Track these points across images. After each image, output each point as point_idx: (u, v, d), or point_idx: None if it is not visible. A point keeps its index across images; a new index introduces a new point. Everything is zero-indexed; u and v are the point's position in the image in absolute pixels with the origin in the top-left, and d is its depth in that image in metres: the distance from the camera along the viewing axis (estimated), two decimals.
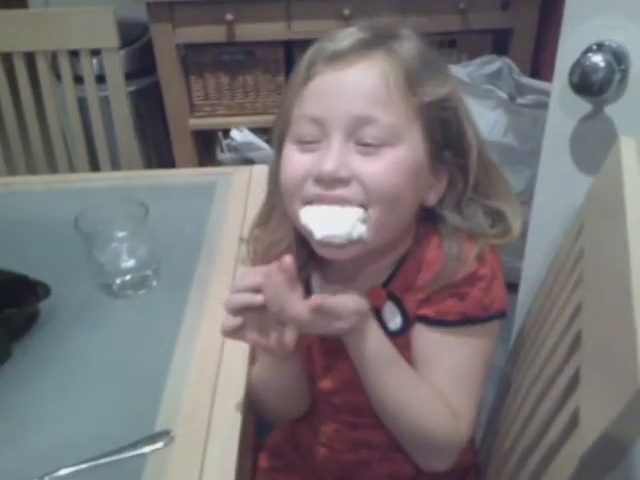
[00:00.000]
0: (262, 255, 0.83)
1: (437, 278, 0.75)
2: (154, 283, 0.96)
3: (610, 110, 0.93)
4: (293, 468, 0.92)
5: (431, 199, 0.76)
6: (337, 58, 0.71)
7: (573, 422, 0.58)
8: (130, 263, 0.93)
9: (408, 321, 0.78)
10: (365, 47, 0.71)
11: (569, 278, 0.76)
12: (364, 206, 0.70)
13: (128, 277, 0.94)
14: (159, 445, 0.72)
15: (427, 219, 0.78)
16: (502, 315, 0.77)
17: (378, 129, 0.70)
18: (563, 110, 0.98)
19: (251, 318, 0.70)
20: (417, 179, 0.73)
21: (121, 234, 0.92)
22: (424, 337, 0.77)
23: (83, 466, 0.70)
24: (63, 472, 0.70)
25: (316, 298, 0.66)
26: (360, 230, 0.70)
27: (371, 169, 0.70)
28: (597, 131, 0.94)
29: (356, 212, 0.70)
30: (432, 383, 0.75)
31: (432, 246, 0.77)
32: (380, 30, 0.74)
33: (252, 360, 0.83)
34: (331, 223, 0.70)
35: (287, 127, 0.75)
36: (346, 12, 1.98)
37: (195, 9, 2.01)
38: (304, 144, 0.73)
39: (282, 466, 0.93)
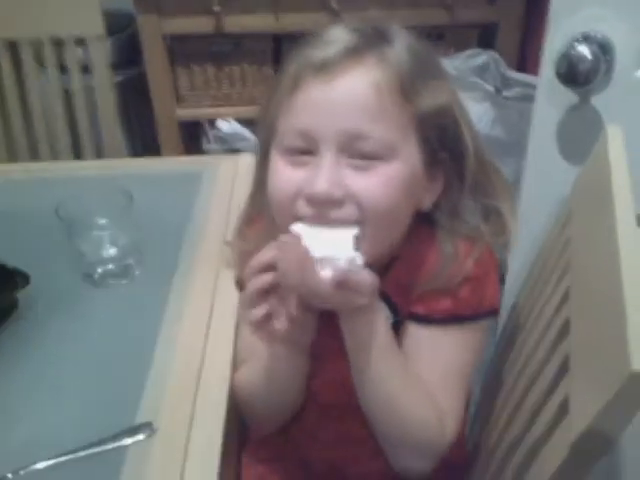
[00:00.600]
0: (248, 257, 0.79)
1: (433, 279, 0.73)
2: (137, 273, 0.94)
3: (596, 100, 0.94)
4: (281, 459, 0.91)
5: (427, 203, 0.74)
6: (325, 68, 0.67)
7: (562, 410, 0.57)
8: (112, 252, 0.92)
9: (399, 319, 0.77)
10: (355, 54, 0.67)
11: (556, 267, 0.76)
12: (358, 222, 0.68)
13: (110, 266, 0.93)
14: (140, 437, 0.70)
15: (422, 218, 0.76)
16: (493, 313, 0.76)
17: (372, 144, 0.67)
18: (549, 101, 0.98)
19: (274, 307, 0.68)
20: (412, 190, 0.70)
21: (103, 222, 0.90)
22: (413, 334, 0.76)
23: (61, 459, 0.68)
24: (40, 465, 0.68)
25: (337, 270, 0.64)
26: (355, 258, 0.66)
27: (365, 186, 0.67)
28: (583, 122, 0.95)
29: (349, 238, 0.67)
30: (421, 380, 0.74)
31: (427, 246, 0.75)
32: (370, 31, 0.70)
33: (235, 357, 0.82)
34: (323, 254, 0.66)
35: (273, 134, 0.73)
36: (334, 4, 1.97)
37: (182, 0, 1.99)
38: (293, 157, 0.70)
39: (270, 457, 0.92)
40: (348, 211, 0.67)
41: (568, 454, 0.53)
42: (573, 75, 0.90)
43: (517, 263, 1.02)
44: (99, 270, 0.93)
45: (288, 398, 0.82)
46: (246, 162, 1.17)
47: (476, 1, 2.01)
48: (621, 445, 0.91)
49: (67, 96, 1.60)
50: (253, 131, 2.00)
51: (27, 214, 1.07)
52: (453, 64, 1.87)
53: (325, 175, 0.66)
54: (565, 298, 0.68)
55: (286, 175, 0.70)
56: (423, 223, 0.76)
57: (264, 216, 0.79)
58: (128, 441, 0.70)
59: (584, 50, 0.89)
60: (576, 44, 0.90)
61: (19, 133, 1.63)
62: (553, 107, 0.97)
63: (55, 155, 1.67)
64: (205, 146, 2.13)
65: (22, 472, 0.67)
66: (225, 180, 1.16)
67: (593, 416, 0.49)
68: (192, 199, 1.11)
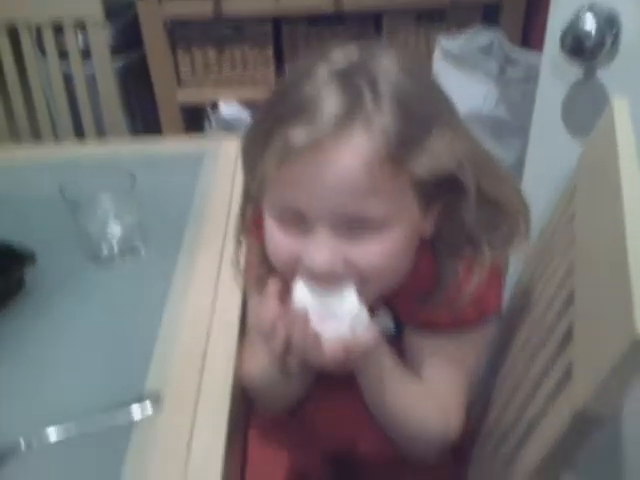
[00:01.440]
0: (257, 278, 0.78)
1: (432, 298, 0.72)
2: (142, 252, 0.95)
3: (602, 74, 0.93)
4: (287, 439, 0.91)
5: (428, 230, 0.71)
6: (312, 148, 0.61)
7: (566, 378, 0.57)
8: (117, 232, 0.92)
9: (401, 324, 0.77)
10: (341, 127, 0.61)
11: (561, 240, 0.76)
12: (361, 282, 0.67)
13: (115, 246, 0.93)
14: (147, 407, 0.71)
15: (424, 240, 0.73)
16: (497, 314, 0.76)
17: (367, 221, 0.64)
18: (555, 76, 0.97)
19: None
20: (414, 242, 0.69)
21: (108, 203, 0.91)
22: (416, 341, 0.77)
23: (71, 426, 0.69)
24: (50, 430, 0.69)
25: (337, 346, 0.63)
26: (359, 315, 0.66)
27: (365, 255, 0.65)
28: (589, 96, 0.94)
29: (352, 296, 0.66)
30: (425, 382, 0.76)
31: (428, 265, 0.73)
32: (355, 78, 0.63)
33: (242, 333, 0.82)
34: (327, 315, 0.66)
35: (263, 192, 0.69)
36: None
37: None
38: (287, 225, 0.67)
39: (277, 425, 0.92)
40: (350, 278, 0.66)
41: (571, 421, 0.53)
42: (578, 49, 0.89)
43: None
44: (104, 250, 0.93)
45: (291, 395, 0.82)
46: None
47: None
48: (621, 421, 0.91)
49: (68, 81, 1.59)
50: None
51: (32, 196, 1.07)
52: (457, 43, 1.85)
53: (323, 251, 0.64)
54: (570, 271, 0.68)
55: (283, 244, 0.68)
56: (426, 244, 0.73)
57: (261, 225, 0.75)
58: (136, 410, 0.71)
59: (589, 23, 0.88)
60: (581, 17, 0.89)
61: (21, 118, 1.62)
62: (558, 82, 0.97)
63: (58, 140, 1.67)
64: (207, 129, 2.13)
65: (34, 438, 0.68)
66: (227, 160, 1.16)
67: (596, 382, 0.49)
68: (195, 179, 1.11)
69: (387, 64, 0.64)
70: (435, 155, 0.63)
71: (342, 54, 0.65)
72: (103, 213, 0.91)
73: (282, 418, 0.90)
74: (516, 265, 0.99)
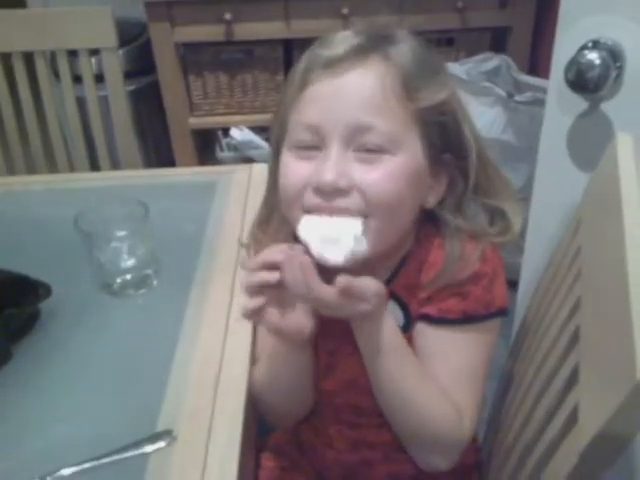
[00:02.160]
0: None
1: (439, 277, 0.75)
2: (155, 282, 0.96)
3: (606, 107, 0.94)
4: (297, 467, 0.93)
5: (431, 201, 0.76)
6: (333, 65, 0.70)
7: (573, 418, 0.58)
8: (130, 262, 0.94)
9: (410, 319, 0.78)
10: (361, 53, 0.70)
11: (567, 274, 0.77)
12: (363, 215, 0.70)
13: (128, 277, 0.94)
14: (161, 444, 0.72)
15: (428, 219, 0.78)
16: (503, 313, 0.77)
17: (376, 136, 0.69)
18: (560, 107, 0.98)
19: (270, 299, 0.70)
20: (417, 185, 0.73)
21: (121, 234, 0.92)
22: (426, 335, 0.78)
23: (85, 466, 0.70)
24: (65, 472, 0.70)
25: (343, 279, 0.66)
26: (360, 248, 0.69)
27: (370, 178, 0.69)
28: (594, 128, 0.95)
29: (355, 227, 0.69)
30: (436, 379, 0.76)
31: (433, 246, 0.77)
32: (375, 33, 0.73)
33: (253, 360, 0.84)
34: (330, 243, 0.69)
35: (284, 133, 0.75)
36: (344, 11, 1.99)
37: (193, 8, 2.01)
38: (301, 151, 0.72)
39: (286, 465, 0.94)
40: (354, 201, 0.70)
41: (578, 461, 0.54)
42: (582, 82, 0.90)
43: (529, 270, 1.03)
44: (118, 280, 0.94)
45: (294, 395, 0.83)
46: (259, 172, 1.19)
47: (487, 5, 2.02)
48: (633, 452, 0.91)
49: (81, 106, 1.62)
50: (266, 139, 2.02)
51: (47, 225, 1.09)
52: (465, 68, 1.87)
53: (332, 166, 0.69)
54: (576, 306, 0.68)
55: (295, 168, 0.73)
56: (429, 223, 0.78)
57: (276, 218, 0.81)
58: (149, 448, 0.72)
59: (594, 56, 0.89)
60: (586, 51, 0.90)
61: (36, 144, 1.65)
62: (563, 113, 0.98)
63: (71, 163, 1.69)
64: (218, 154, 2.15)
65: (48, 478, 0.69)
66: (239, 189, 1.18)
67: (600, 425, 0.50)
68: (207, 209, 1.13)
69: (402, 31, 0.75)
70: (438, 95, 0.72)
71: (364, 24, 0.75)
72: (117, 244, 0.93)
73: (292, 451, 0.91)
74: (525, 295, 1.00)
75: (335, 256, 0.68)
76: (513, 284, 1.00)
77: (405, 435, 0.79)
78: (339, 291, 0.66)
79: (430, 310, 0.77)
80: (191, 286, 0.95)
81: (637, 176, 0.69)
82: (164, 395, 0.78)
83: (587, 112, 0.95)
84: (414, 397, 0.74)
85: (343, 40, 0.72)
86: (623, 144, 0.75)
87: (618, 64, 0.91)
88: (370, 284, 0.68)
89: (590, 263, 0.70)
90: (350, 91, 0.70)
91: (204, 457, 0.71)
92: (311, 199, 0.71)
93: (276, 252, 0.69)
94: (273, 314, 0.71)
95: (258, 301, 0.70)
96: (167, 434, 0.73)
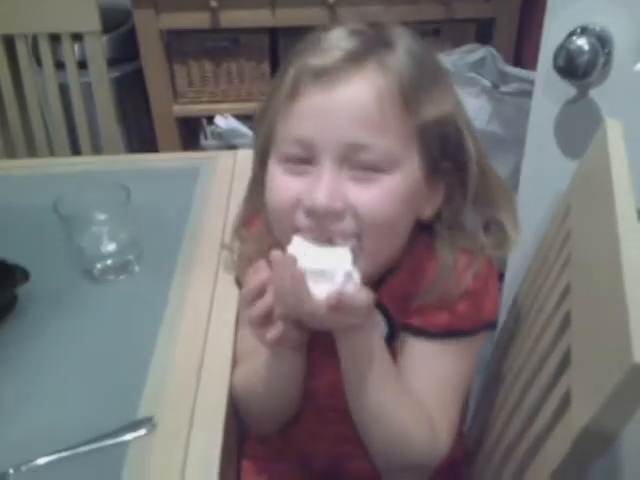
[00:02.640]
0: (247, 263, 0.78)
1: (429, 291, 0.72)
2: (136, 268, 0.94)
3: (595, 93, 0.93)
4: (281, 456, 0.91)
5: (427, 213, 0.72)
6: (325, 75, 0.64)
7: (564, 404, 0.57)
8: (111, 248, 0.92)
9: (394, 330, 0.76)
10: (355, 60, 0.64)
11: (557, 260, 0.76)
12: (357, 235, 0.67)
13: (109, 262, 0.93)
14: (141, 432, 0.71)
15: (422, 228, 0.74)
16: (491, 326, 0.75)
17: (373, 155, 0.64)
18: (548, 95, 0.98)
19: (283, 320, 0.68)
20: (413, 201, 0.69)
21: (102, 218, 0.91)
22: (408, 346, 0.75)
23: (62, 454, 0.68)
24: (40, 461, 0.68)
25: (334, 295, 0.62)
26: (348, 283, 0.65)
27: (365, 199, 0.65)
28: (582, 115, 0.94)
29: (346, 255, 0.65)
30: (414, 393, 0.74)
31: (426, 257, 0.73)
32: (370, 33, 0.67)
33: (235, 351, 0.82)
34: (319, 273, 0.64)
35: (271, 142, 0.71)
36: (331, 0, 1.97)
37: None
38: (291, 165, 0.68)
39: (270, 454, 0.92)
40: (347, 224, 0.66)
41: (570, 448, 0.53)
42: (571, 68, 0.90)
43: (516, 258, 1.02)
44: (98, 266, 0.93)
45: (283, 399, 0.81)
46: (244, 158, 1.17)
47: None
48: (622, 441, 0.91)
49: (64, 92, 1.59)
50: (251, 127, 2.00)
51: (26, 210, 1.07)
52: (450, 59, 1.87)
53: (325, 187, 0.64)
54: (566, 291, 0.68)
55: (285, 184, 0.68)
56: (423, 233, 0.74)
57: (261, 218, 0.77)
58: (129, 436, 0.70)
59: (582, 43, 0.89)
60: (574, 37, 0.90)
61: (16, 129, 1.62)
62: (551, 100, 0.97)
63: (53, 151, 1.67)
64: (203, 142, 2.13)
65: (24, 468, 0.67)
66: (223, 175, 1.16)
67: (595, 409, 0.49)
68: (190, 195, 1.11)
69: (399, 30, 0.69)
70: (441, 106, 0.66)
71: (355, 20, 0.70)
72: (97, 228, 0.91)
73: (275, 441, 0.90)
74: (512, 285, 0.99)
75: (320, 292, 0.64)
76: (500, 273, 0.99)
77: (375, 450, 0.76)
78: (330, 306, 0.63)
79: (413, 321, 0.74)
80: (173, 272, 0.94)
81: (627, 161, 0.68)
82: (145, 382, 0.77)
83: (575, 99, 0.95)
84: (389, 413, 0.72)
85: (335, 44, 0.66)
86: (612, 129, 0.74)
87: (606, 50, 0.91)
88: (361, 297, 0.65)
89: (580, 247, 0.69)
90: (345, 106, 0.64)
91: (185, 445, 0.70)
92: (302, 220, 0.67)
93: (261, 269, 0.66)
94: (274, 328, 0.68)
95: (278, 328, 0.67)
96: (148, 421, 0.72)
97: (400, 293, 0.74)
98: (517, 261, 1.02)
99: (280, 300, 0.65)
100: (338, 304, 0.63)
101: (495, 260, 0.75)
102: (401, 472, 0.77)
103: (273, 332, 0.68)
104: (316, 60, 0.65)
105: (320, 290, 0.64)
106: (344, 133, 0.64)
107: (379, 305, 0.74)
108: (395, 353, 0.76)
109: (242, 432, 0.95)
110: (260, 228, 0.77)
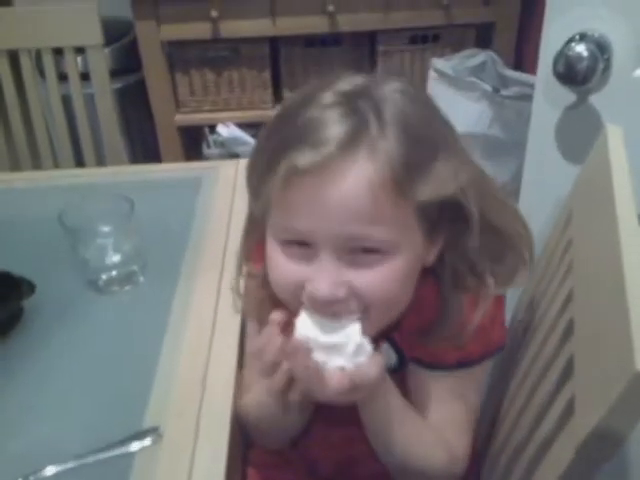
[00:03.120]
0: (254, 301, 0.78)
1: (437, 333, 0.72)
2: (140, 279, 0.95)
3: (594, 99, 0.94)
4: (287, 463, 0.91)
5: (430, 260, 0.71)
6: (317, 169, 0.61)
7: (568, 412, 0.57)
8: (116, 259, 0.92)
9: (404, 359, 0.77)
10: (346, 151, 0.61)
11: (560, 267, 0.76)
12: (363, 311, 0.66)
13: (114, 273, 0.93)
14: (147, 442, 0.71)
15: (427, 271, 0.73)
16: (500, 350, 0.76)
17: (372, 243, 0.64)
18: (548, 100, 0.98)
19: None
20: (416, 270, 0.69)
21: (106, 229, 0.91)
22: (419, 377, 0.76)
23: (69, 465, 0.69)
24: (49, 471, 0.68)
25: (343, 381, 0.63)
26: (361, 354, 0.65)
27: (368, 282, 0.65)
28: (582, 120, 0.95)
29: (355, 328, 0.66)
30: (429, 420, 0.75)
31: (432, 296, 0.73)
32: (361, 107, 0.63)
33: (240, 359, 0.83)
34: (330, 348, 0.65)
35: (267, 213, 0.69)
36: (330, 8, 1.98)
37: (180, 6, 2.00)
38: (291, 248, 0.67)
39: (276, 461, 0.92)
40: (352, 306, 0.66)
41: (574, 456, 0.53)
42: (571, 74, 0.90)
43: None
44: (103, 277, 0.93)
45: (288, 432, 0.82)
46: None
47: (472, 2, 2.03)
48: (628, 448, 0.91)
49: (67, 104, 1.60)
50: (253, 135, 2.01)
51: (31, 222, 1.08)
52: (450, 64, 1.88)
53: (326, 278, 0.64)
54: (569, 299, 0.68)
55: (287, 269, 0.68)
56: (428, 274, 0.73)
57: (262, 250, 0.75)
58: (135, 446, 0.71)
59: (581, 49, 0.89)
60: (573, 43, 0.90)
61: (21, 142, 1.63)
62: (551, 106, 0.98)
63: (57, 163, 1.68)
64: (205, 151, 2.14)
65: (32, 478, 0.68)
66: (226, 185, 1.17)
67: (598, 418, 0.49)
68: (193, 204, 1.12)
69: (391, 90, 0.65)
70: (439, 181, 0.63)
71: (347, 80, 0.66)
72: (101, 240, 0.92)
73: (282, 449, 0.90)
74: (515, 292, 0.99)
75: (331, 365, 0.64)
76: None
77: (392, 470, 0.78)
78: (339, 391, 0.63)
79: (423, 355, 0.75)
80: (177, 282, 0.94)
81: (628, 167, 0.69)
82: (150, 392, 0.77)
83: (575, 104, 0.95)
84: (411, 451, 0.73)
85: (326, 136, 0.61)
86: (613, 135, 0.74)
87: (605, 56, 0.91)
88: (370, 374, 0.64)
89: (582, 254, 0.70)
90: (338, 202, 0.62)
91: (191, 454, 0.70)
92: (307, 300, 0.67)
93: (275, 350, 0.65)
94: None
95: (282, 377, 0.66)
96: (153, 432, 0.72)
97: (409, 330, 0.75)
98: None
99: (301, 382, 0.65)
100: (351, 386, 0.63)
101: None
102: None
103: (294, 396, 0.67)
104: (307, 157, 0.62)
105: (332, 364, 0.64)
106: (340, 227, 0.63)
107: (388, 337, 0.75)
108: (405, 378, 0.77)
109: (247, 440, 0.95)
110: (261, 263, 0.76)
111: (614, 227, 0.59)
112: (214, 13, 1.99)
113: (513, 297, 0.98)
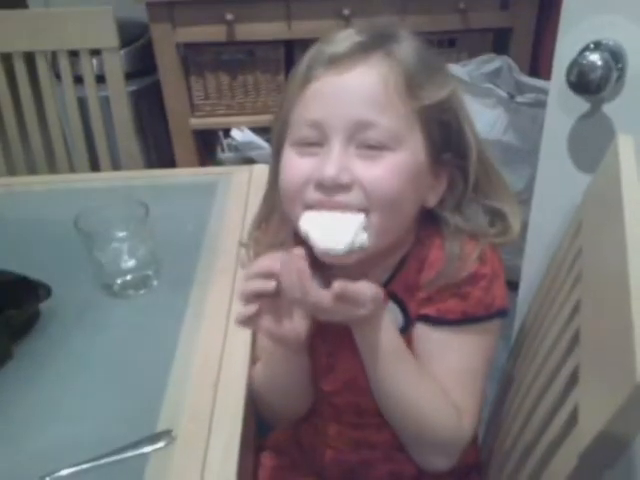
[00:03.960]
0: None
1: (439, 277, 0.75)
2: (155, 283, 0.96)
3: (608, 108, 0.94)
4: (297, 467, 0.93)
5: (431, 200, 0.76)
6: (336, 61, 0.70)
7: (573, 419, 0.58)
8: (131, 263, 0.94)
9: (409, 320, 0.78)
10: (363, 50, 0.71)
11: (568, 276, 0.77)
12: (365, 211, 0.70)
13: (129, 277, 0.94)
14: (160, 445, 0.72)
15: (428, 220, 0.78)
16: (503, 313, 0.77)
17: (378, 133, 0.70)
18: (561, 109, 0.98)
19: (265, 306, 0.70)
20: (417, 182, 0.73)
21: (121, 234, 0.92)
22: (426, 336, 0.78)
23: (84, 466, 0.70)
24: (64, 472, 0.70)
25: (338, 284, 0.66)
26: (361, 239, 0.70)
27: (372, 174, 0.70)
28: (595, 129, 0.95)
29: (357, 219, 0.70)
30: (436, 380, 0.76)
31: (433, 246, 0.77)
32: (378, 31, 0.74)
33: (253, 360, 0.84)
34: (332, 233, 0.69)
35: (286, 129, 0.75)
36: (346, 12, 1.99)
37: (195, 9, 2.01)
38: (303, 147, 0.73)
39: (286, 465, 0.94)
40: (355, 196, 0.70)
41: (578, 462, 0.54)
42: (584, 84, 0.90)
43: (530, 271, 1.03)
44: (118, 281, 0.94)
45: (291, 396, 0.84)
46: (260, 172, 1.19)
47: (489, 6, 2.02)
48: (632, 454, 0.91)
49: (83, 106, 1.62)
50: (267, 139, 2.02)
51: (47, 226, 1.09)
52: (466, 70, 1.87)
53: (334, 161, 0.69)
54: (576, 308, 0.68)
55: (296, 165, 0.73)
56: (429, 223, 0.78)
57: (276, 217, 0.82)
58: (148, 448, 0.72)
59: (595, 58, 0.89)
60: (587, 52, 0.90)
61: (37, 145, 1.65)
62: (565, 115, 0.98)
63: (72, 166, 1.69)
64: (219, 155, 2.15)
65: (47, 478, 0.69)
66: (240, 190, 1.18)
67: (600, 427, 0.49)
68: (208, 209, 1.13)
69: (404, 32, 0.75)
70: (440, 92, 0.72)
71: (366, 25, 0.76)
72: (117, 244, 0.93)
73: (291, 451, 0.91)
74: (525, 299, 1.00)
75: (335, 244, 0.69)
76: (514, 286, 1.00)
77: (405, 436, 0.79)
78: (334, 296, 0.66)
79: (429, 310, 0.77)
80: (191, 287, 0.95)
81: (638, 178, 0.69)
82: (164, 395, 0.78)
83: (588, 113, 0.95)
84: (413, 398, 0.75)
85: (346, 38, 0.72)
86: (624, 145, 0.75)
87: (619, 65, 0.91)
88: (366, 289, 0.69)
89: (591, 265, 0.70)
90: (352, 88, 0.70)
91: (203, 457, 0.71)
92: (312, 195, 0.71)
93: (272, 260, 0.69)
94: (268, 320, 0.71)
95: (252, 308, 0.70)
96: (166, 434, 0.73)
97: (411, 283, 0.78)
98: (530, 275, 1.02)
99: (288, 293, 0.68)
100: (343, 294, 0.66)
101: (499, 250, 0.78)
102: (431, 454, 0.80)
103: (243, 311, 0.71)
104: (327, 49, 0.72)
105: (334, 244, 0.69)
106: (351, 112, 0.70)
107: (394, 297, 0.78)
108: (411, 343, 0.78)
109: (259, 443, 0.96)
110: (276, 226, 0.81)
111: (622, 237, 0.60)
112: (229, 16, 2.00)
113: (524, 303, 0.98)
